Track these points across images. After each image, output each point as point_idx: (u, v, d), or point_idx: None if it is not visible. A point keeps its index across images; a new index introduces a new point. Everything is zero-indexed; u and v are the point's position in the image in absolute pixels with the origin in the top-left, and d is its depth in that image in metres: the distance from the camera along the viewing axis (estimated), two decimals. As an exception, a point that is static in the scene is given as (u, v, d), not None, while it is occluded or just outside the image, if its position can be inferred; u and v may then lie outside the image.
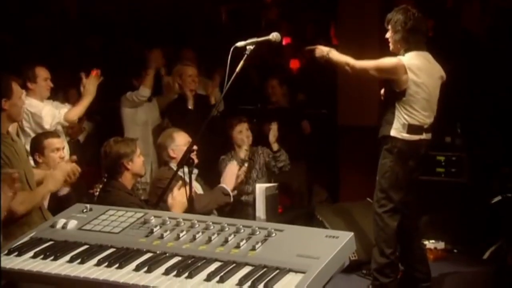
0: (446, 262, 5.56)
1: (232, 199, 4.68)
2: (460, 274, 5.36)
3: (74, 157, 3.89)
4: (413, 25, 4.48)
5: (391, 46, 4.61)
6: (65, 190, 4.42)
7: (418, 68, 4.44)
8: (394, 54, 4.58)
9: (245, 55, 3.45)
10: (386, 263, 4.62)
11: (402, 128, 4.50)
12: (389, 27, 4.58)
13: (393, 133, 4.51)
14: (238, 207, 5.29)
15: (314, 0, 8.17)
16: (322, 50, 4.66)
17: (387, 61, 4.50)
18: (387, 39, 4.60)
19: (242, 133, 5.67)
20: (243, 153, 5.55)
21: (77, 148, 5.71)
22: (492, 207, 5.48)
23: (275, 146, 5.75)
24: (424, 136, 4.58)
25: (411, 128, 4.50)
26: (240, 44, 3.45)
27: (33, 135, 4.84)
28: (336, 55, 4.63)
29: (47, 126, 4.94)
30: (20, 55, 6.94)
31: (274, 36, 3.51)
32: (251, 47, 3.43)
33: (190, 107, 6.04)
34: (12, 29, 7.44)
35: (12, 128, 4.54)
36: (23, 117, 4.13)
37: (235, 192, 4.85)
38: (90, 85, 5.12)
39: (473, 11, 6.61)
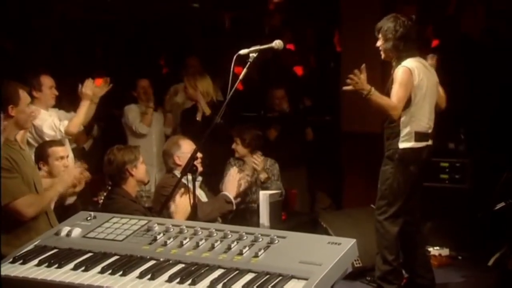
0: (451, 269, 5.55)
1: (234, 207, 4.69)
2: (465, 281, 5.36)
3: (84, 165, 3.91)
4: (403, 33, 4.48)
5: (382, 55, 4.62)
6: (71, 199, 4.44)
7: (419, 72, 4.46)
8: (386, 62, 4.59)
9: (248, 63, 3.46)
10: (389, 270, 4.62)
11: (410, 138, 4.49)
12: (380, 35, 4.57)
13: (402, 145, 4.50)
14: (240, 213, 5.29)
15: (318, 6, 8.19)
16: (363, 87, 4.37)
17: (402, 76, 4.43)
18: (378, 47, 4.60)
19: (235, 147, 5.68)
20: (263, 175, 5.54)
21: (82, 155, 5.72)
22: (496, 213, 5.47)
23: (263, 176, 5.54)
24: (430, 142, 4.59)
25: (418, 136, 4.50)
26: (243, 51, 3.46)
27: (36, 145, 4.86)
28: (377, 97, 4.42)
29: (49, 139, 4.96)
30: (22, 62, 6.98)
31: (277, 43, 3.51)
32: (254, 54, 3.44)
33: (198, 119, 6.08)
34: (13, 35, 7.48)
35: (20, 137, 4.58)
36: (30, 125, 4.14)
37: (238, 199, 4.85)
38: (87, 89, 5.13)
39: (477, 16, 6.61)
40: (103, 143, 6.40)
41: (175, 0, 8.81)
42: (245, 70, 3.43)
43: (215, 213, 4.57)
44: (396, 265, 4.63)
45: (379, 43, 4.59)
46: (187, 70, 6.77)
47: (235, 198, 4.70)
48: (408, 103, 4.47)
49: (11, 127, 3.51)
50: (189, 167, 3.42)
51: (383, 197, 4.61)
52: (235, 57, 3.42)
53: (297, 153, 6.54)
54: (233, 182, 4.72)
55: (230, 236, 2.33)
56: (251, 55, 3.44)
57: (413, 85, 4.43)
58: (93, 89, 5.15)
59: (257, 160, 5.52)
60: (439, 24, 6.84)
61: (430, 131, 4.58)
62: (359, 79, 4.34)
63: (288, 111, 6.75)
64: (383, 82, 4.97)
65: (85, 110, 5.10)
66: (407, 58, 4.50)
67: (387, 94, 4.51)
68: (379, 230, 4.64)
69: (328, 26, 8.16)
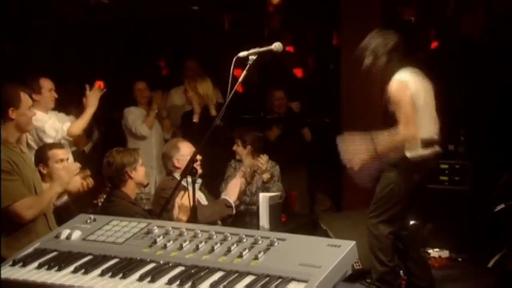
0: (451, 270, 5.55)
1: (234, 212, 4.70)
2: (464, 283, 5.36)
3: (88, 172, 3.91)
4: (392, 46, 4.45)
5: (372, 72, 4.56)
6: (62, 200, 4.40)
7: (414, 81, 4.45)
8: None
9: (248, 65, 3.46)
10: (385, 271, 4.62)
11: (416, 145, 4.47)
12: (368, 54, 4.51)
13: (409, 154, 4.46)
14: (240, 216, 5.29)
15: (317, 7, 8.20)
16: (365, 155, 4.38)
17: (398, 93, 4.39)
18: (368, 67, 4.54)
19: (236, 149, 5.68)
20: (266, 175, 5.54)
21: (82, 158, 5.72)
22: (496, 214, 5.47)
23: (266, 176, 5.54)
24: (437, 148, 4.57)
25: (424, 142, 4.48)
26: (242, 54, 3.45)
27: (36, 148, 4.87)
28: (384, 145, 4.39)
29: (50, 140, 4.97)
30: (21, 63, 6.99)
31: (276, 46, 3.50)
32: (254, 57, 3.44)
33: (195, 120, 6.09)
34: (13, 35, 7.47)
35: (21, 140, 4.58)
36: (31, 127, 4.14)
37: (237, 202, 4.86)
38: (93, 97, 5.16)
39: (477, 18, 6.62)
40: (103, 145, 6.39)
41: (175, 2, 8.81)
42: (244, 72, 3.43)
43: (215, 216, 4.58)
44: (392, 266, 4.63)
45: (367, 63, 4.52)
46: (186, 73, 6.77)
47: (235, 202, 4.73)
48: None
49: (12, 130, 3.51)
50: (189, 170, 3.42)
51: (381, 202, 4.59)
52: (234, 59, 3.42)
53: (297, 155, 6.55)
54: (235, 188, 4.74)
55: (230, 238, 2.33)
56: (250, 57, 3.43)
57: (411, 95, 4.40)
58: (98, 96, 5.19)
59: (262, 160, 5.53)
60: (439, 25, 6.84)
61: (435, 137, 4.57)
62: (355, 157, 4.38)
63: (295, 112, 6.77)
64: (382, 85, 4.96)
65: (89, 117, 5.15)
66: (398, 69, 4.47)
67: (385, 105, 4.50)
68: (372, 232, 4.63)
69: (328, 27, 8.16)
